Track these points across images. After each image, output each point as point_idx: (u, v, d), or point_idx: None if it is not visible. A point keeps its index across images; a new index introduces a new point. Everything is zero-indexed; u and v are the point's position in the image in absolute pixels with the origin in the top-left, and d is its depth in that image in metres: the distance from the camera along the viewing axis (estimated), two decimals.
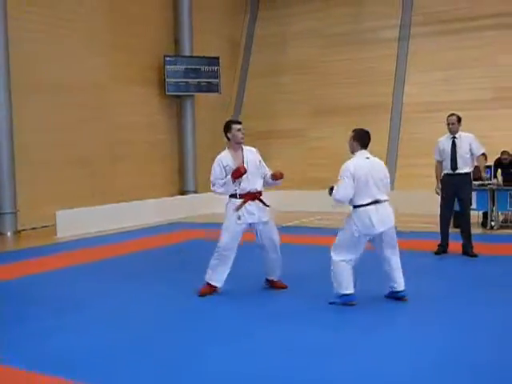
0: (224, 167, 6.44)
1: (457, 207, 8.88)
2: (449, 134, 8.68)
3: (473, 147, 8.51)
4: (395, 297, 6.10)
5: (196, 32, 18.24)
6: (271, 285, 6.84)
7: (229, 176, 6.36)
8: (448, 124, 8.65)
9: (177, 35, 18.13)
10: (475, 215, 12.48)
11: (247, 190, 6.46)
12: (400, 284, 6.06)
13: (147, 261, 9.24)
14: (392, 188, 16.27)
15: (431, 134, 15.80)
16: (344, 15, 18.78)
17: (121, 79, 16.18)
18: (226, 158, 6.52)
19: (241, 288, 6.82)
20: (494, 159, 11.97)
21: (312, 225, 13.31)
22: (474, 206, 11.53)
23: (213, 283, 6.56)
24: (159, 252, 10.14)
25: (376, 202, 5.84)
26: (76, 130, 14.69)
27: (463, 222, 8.76)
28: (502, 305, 5.88)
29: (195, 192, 17.84)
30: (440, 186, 8.84)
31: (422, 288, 6.58)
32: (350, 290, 5.95)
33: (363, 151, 6.01)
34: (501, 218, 11.99)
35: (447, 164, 8.63)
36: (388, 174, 6.09)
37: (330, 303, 6.01)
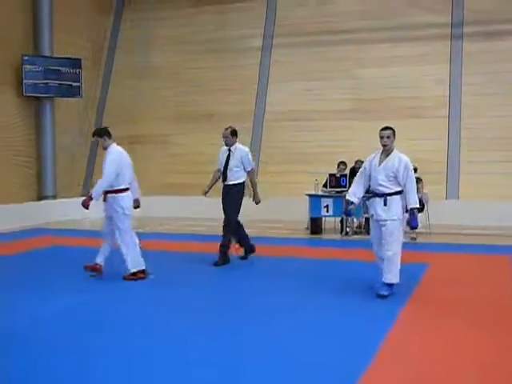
0: None
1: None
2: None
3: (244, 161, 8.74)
4: None
5: (57, 31, 17.46)
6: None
7: None
8: (223, 137, 8.78)
9: (36, 34, 17.23)
10: (332, 221, 13.01)
11: None
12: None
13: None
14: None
15: (292, 141, 16.41)
16: (209, 23, 18.87)
17: None
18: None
19: None
20: (349, 168, 12.48)
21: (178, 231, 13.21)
22: (330, 213, 12.05)
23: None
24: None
25: None
26: None
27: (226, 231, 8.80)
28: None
29: (54, 197, 17.14)
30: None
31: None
32: None
33: None
34: (355, 224, 12.53)
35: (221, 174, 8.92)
36: None
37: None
